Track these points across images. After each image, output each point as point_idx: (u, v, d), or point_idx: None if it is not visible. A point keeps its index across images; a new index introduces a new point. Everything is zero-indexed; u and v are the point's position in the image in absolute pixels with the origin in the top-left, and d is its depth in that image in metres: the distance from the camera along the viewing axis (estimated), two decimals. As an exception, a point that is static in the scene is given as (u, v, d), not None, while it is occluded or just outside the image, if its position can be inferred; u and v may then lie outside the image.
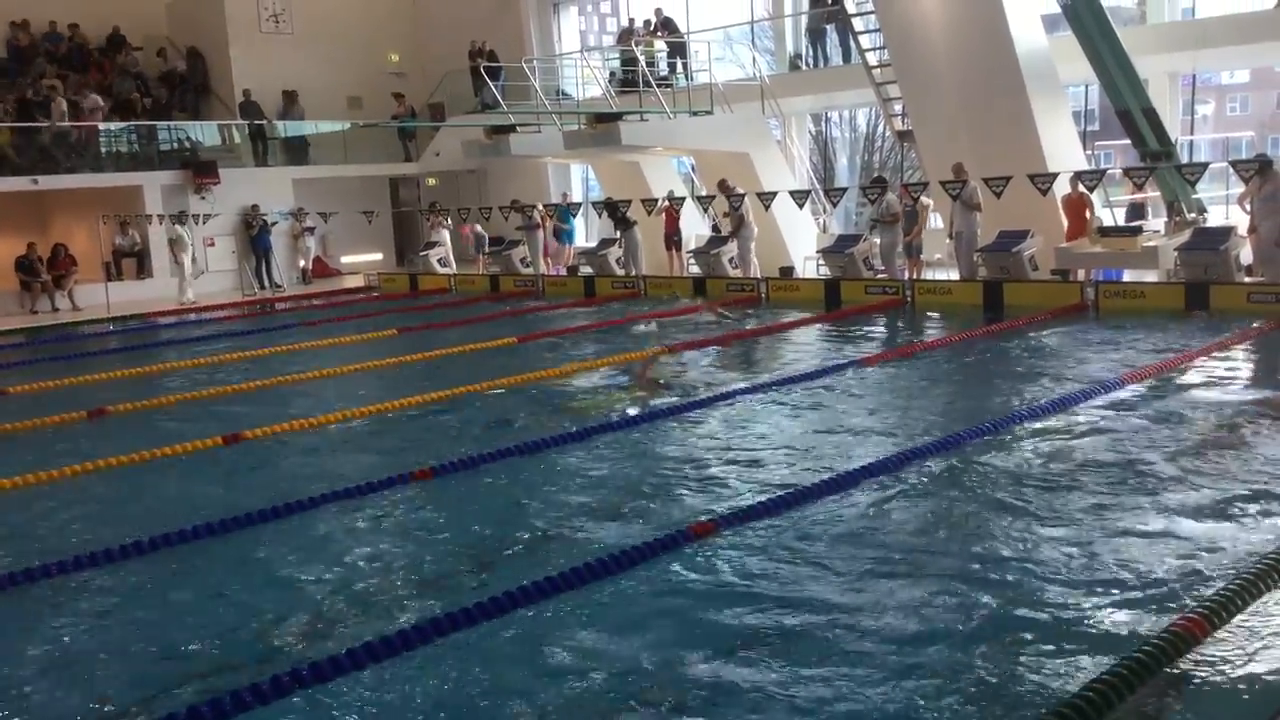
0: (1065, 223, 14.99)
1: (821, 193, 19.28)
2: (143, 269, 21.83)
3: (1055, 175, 13.88)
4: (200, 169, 22.08)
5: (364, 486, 7.11)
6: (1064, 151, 15.46)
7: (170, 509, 6.95)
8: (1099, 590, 4.95)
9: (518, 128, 20.21)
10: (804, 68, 21.68)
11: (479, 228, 21.77)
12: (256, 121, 23.57)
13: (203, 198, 21.84)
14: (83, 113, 21.26)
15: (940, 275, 16.11)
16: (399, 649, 4.59)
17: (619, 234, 18.96)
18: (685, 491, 6.87)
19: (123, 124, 22.88)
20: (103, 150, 22.52)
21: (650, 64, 20.45)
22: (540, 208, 20.75)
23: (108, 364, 13.66)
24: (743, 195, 16.61)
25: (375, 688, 4.39)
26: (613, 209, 18.81)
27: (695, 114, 19.39)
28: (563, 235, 21.67)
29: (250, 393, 11.10)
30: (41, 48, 24.02)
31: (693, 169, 22.34)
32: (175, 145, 23.33)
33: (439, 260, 22.05)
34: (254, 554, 6.14)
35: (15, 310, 19.77)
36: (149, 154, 22.80)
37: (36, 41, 24.07)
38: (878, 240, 16.43)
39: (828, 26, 20.90)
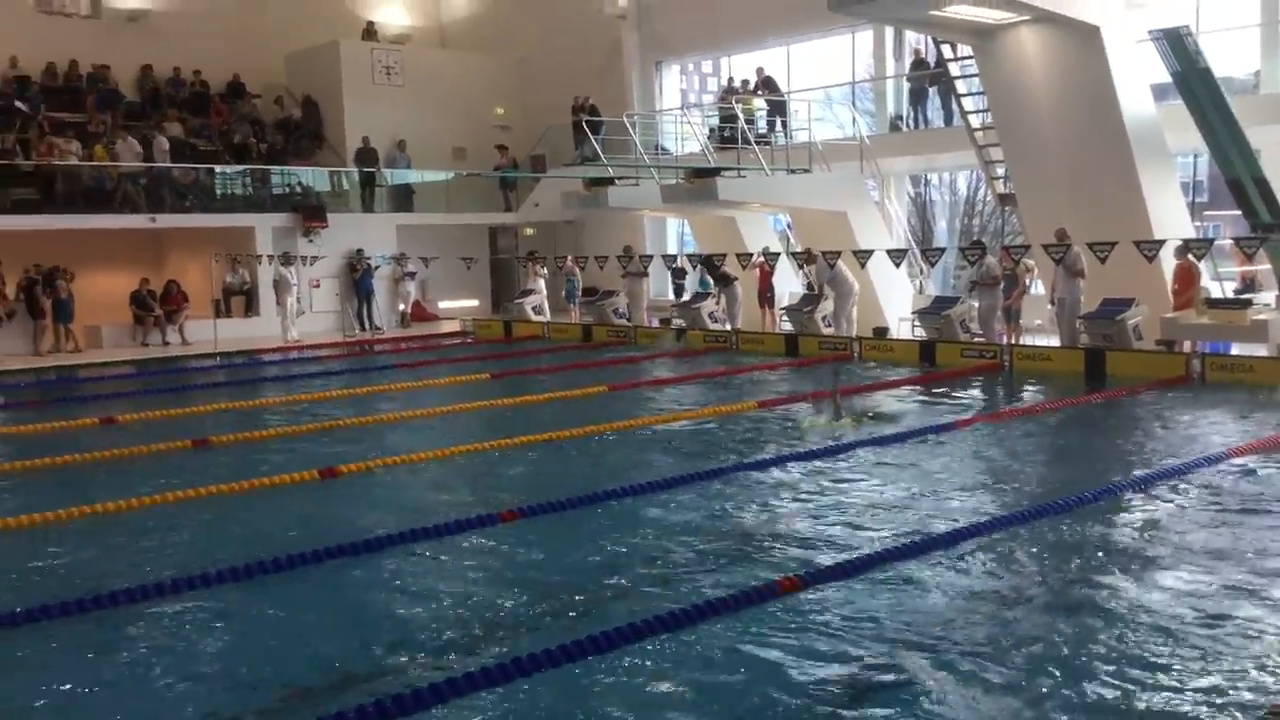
0: (1172, 292, 14.62)
1: (919, 253, 19.12)
2: (250, 307, 22.54)
3: (1163, 242, 13.55)
4: (310, 213, 22.81)
5: (452, 525, 7.21)
6: (1171, 220, 15.12)
7: (266, 538, 7.12)
8: (1185, 670, 4.77)
9: (616, 181, 20.49)
10: (904, 129, 21.63)
11: (577, 269, 22.06)
12: (367, 169, 24.29)
13: (310, 240, 22.53)
14: (120, 154, 22.05)
15: (1040, 341, 15.80)
16: (467, 689, 4.61)
17: (718, 289, 19.00)
18: (771, 546, 6.81)
19: (239, 167, 23.79)
20: (217, 192, 23.43)
21: (750, 121, 20.60)
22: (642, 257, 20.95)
23: (213, 397, 14.12)
24: (838, 254, 16.56)
25: (457, 723, 4.42)
26: (712, 265, 18.91)
27: (793, 172, 19.45)
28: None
29: (347, 429, 11.36)
30: (165, 92, 25.15)
31: (789, 226, 22.36)
32: (287, 189, 24.15)
33: (534, 308, 22.37)
34: (343, 586, 6.25)
35: (128, 342, 20.55)
36: (262, 197, 23.64)
37: (161, 86, 25.22)
38: (976, 303, 16.21)
39: (930, 88, 20.85)
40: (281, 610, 5.88)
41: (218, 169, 23.33)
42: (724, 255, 18.45)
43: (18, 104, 22.14)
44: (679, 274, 22.27)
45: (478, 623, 5.61)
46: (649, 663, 4.96)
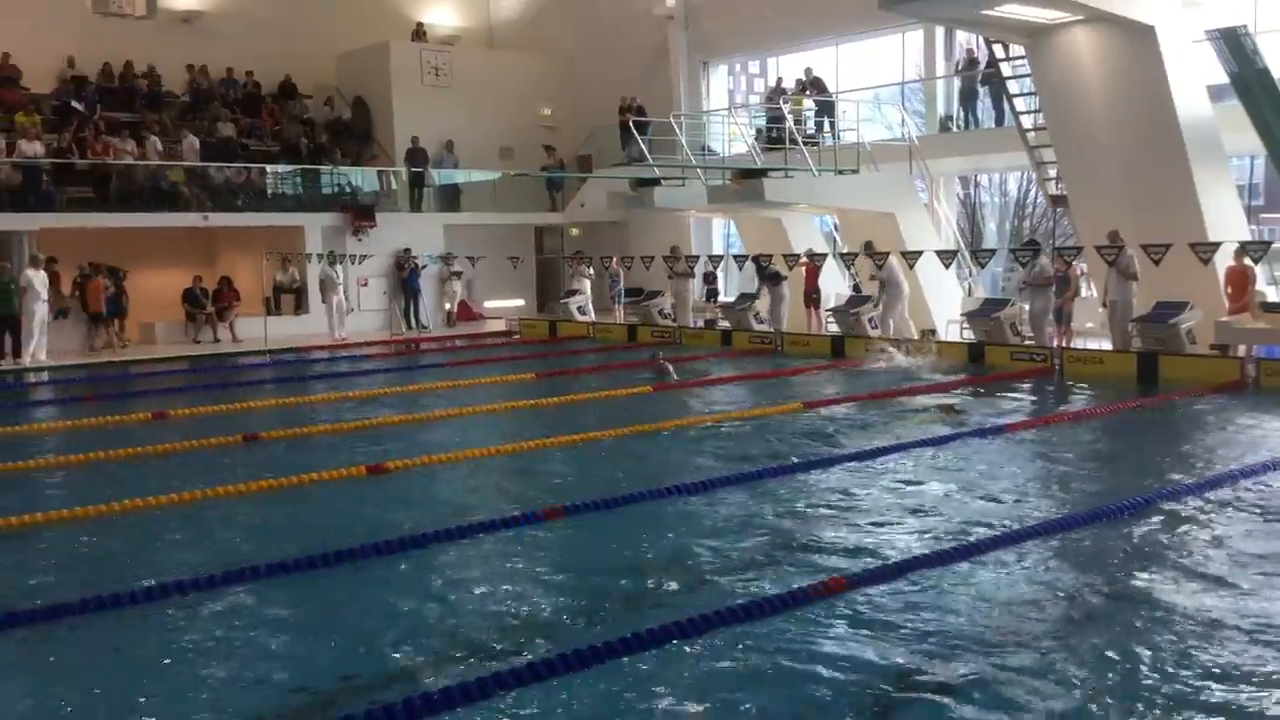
0: (1226, 296, 14.35)
1: (968, 254, 18.93)
2: (300, 305, 22.78)
3: (1218, 245, 13.31)
4: (359, 212, 23.03)
5: (497, 522, 7.24)
6: (1226, 223, 14.84)
7: (313, 533, 7.19)
8: (1240, 676, 4.67)
9: (662, 181, 20.48)
10: (954, 129, 21.43)
11: (622, 269, 22.08)
12: (415, 169, 24.48)
13: (359, 239, 22.74)
14: (179, 153, 22.33)
15: (1092, 344, 15.58)
16: (513, 684, 4.62)
17: (766, 289, 18.90)
18: (816, 546, 6.77)
19: (289, 167, 24.06)
20: (269, 191, 23.72)
21: (798, 122, 20.50)
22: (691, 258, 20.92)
23: (262, 393, 14.28)
24: (886, 254, 16.44)
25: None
26: (761, 264, 18.83)
27: (841, 172, 19.33)
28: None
29: (394, 426, 11.45)
30: (218, 92, 25.50)
31: (835, 227, 22.24)
32: (336, 189, 24.39)
33: (578, 308, 22.43)
34: (390, 581, 6.28)
35: (180, 339, 20.85)
36: (312, 196, 23.89)
37: (214, 86, 25.58)
38: (1026, 306, 16.01)
39: (981, 88, 20.64)
40: (329, 604, 5.94)
41: (269, 168, 23.61)
42: (770, 255, 18.39)
43: (74, 104, 22.55)
44: (709, 278, 22.21)
45: (522, 619, 5.62)
46: (694, 661, 4.94)
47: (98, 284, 19.40)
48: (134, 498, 7.97)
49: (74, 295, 19.68)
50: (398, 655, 5.15)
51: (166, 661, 5.14)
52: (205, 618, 5.69)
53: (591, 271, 22.96)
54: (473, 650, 5.20)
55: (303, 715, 4.53)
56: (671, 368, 14.74)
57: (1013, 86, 17.27)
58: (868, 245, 17.06)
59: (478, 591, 6.04)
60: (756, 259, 18.90)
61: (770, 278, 18.67)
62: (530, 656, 4.97)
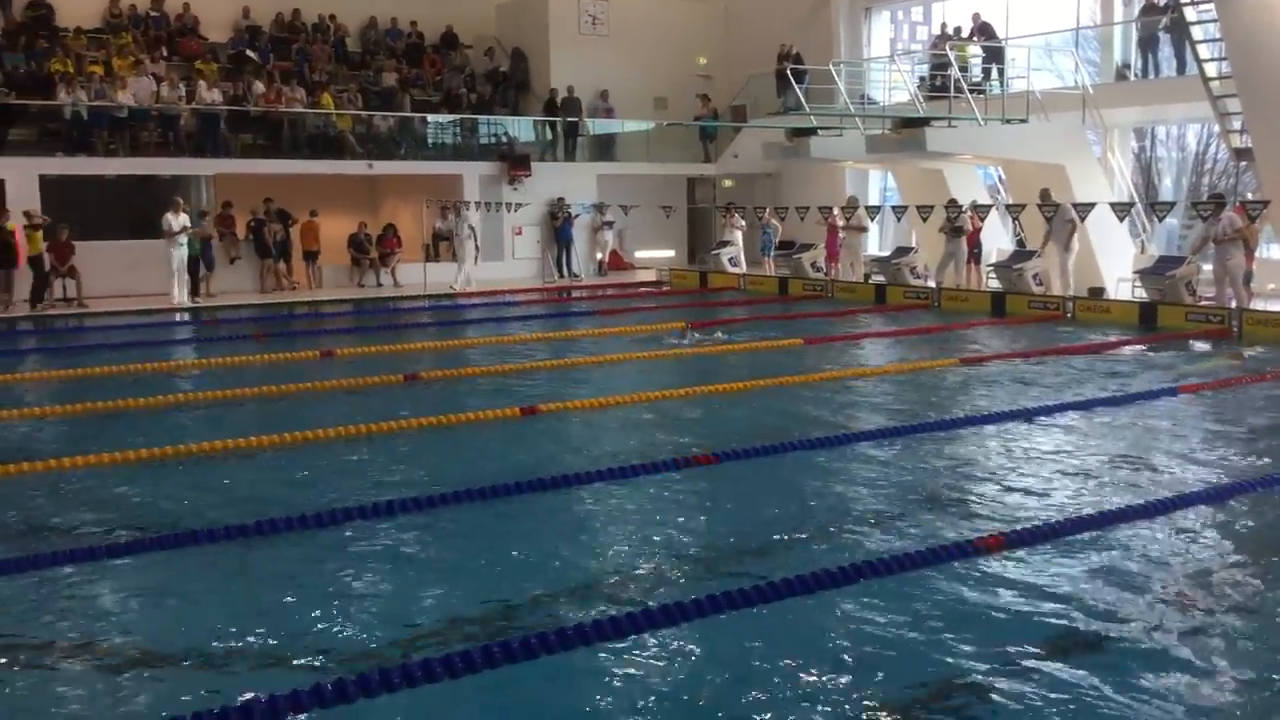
0: None
1: (1145, 208, 17.98)
2: (457, 252, 23.29)
3: None
4: (515, 161, 23.36)
5: (648, 466, 7.29)
6: None
7: (468, 469, 7.40)
8: None
9: (819, 131, 20.08)
10: (1131, 78, 20.32)
11: (775, 220, 21.80)
12: (570, 119, 24.66)
13: (514, 188, 23.09)
14: (346, 102, 22.78)
15: (1276, 306, 14.66)
16: (661, 623, 4.65)
17: (946, 240, 18.24)
18: (975, 503, 6.61)
19: (449, 116, 24.56)
20: (429, 141, 24.28)
21: (964, 69, 19.76)
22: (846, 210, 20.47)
23: (421, 336, 14.72)
24: (1056, 206, 15.75)
25: (642, 656, 4.49)
26: (950, 215, 18.20)
27: (1008, 122, 18.59)
28: None
29: (546, 370, 11.66)
30: (384, 42, 26.16)
31: (1000, 180, 21.44)
32: (493, 139, 24.79)
33: (730, 259, 22.30)
34: (544, 517, 6.43)
35: (345, 283, 21.63)
36: (470, 146, 24.36)
37: (380, 36, 26.25)
38: (1206, 265, 15.12)
39: (1161, 35, 19.49)
40: (486, 536, 6.11)
41: (429, 118, 24.14)
42: (960, 206, 17.75)
43: (248, 53, 23.46)
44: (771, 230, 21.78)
45: (668, 561, 5.67)
46: (845, 611, 4.90)
47: (268, 229, 20.24)
48: (304, 430, 8.32)
49: (248, 239, 20.58)
50: (546, 586, 5.28)
51: (330, 588, 5.38)
52: (372, 544, 5.93)
53: (743, 223, 22.76)
54: (616, 587, 5.28)
55: (453, 637, 4.68)
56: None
57: (1196, 33, 16.24)
58: (1044, 193, 16.39)
59: (625, 531, 6.13)
60: (947, 208, 18.12)
61: (955, 231, 18.00)
62: (679, 596, 5.00)
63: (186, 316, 17.77)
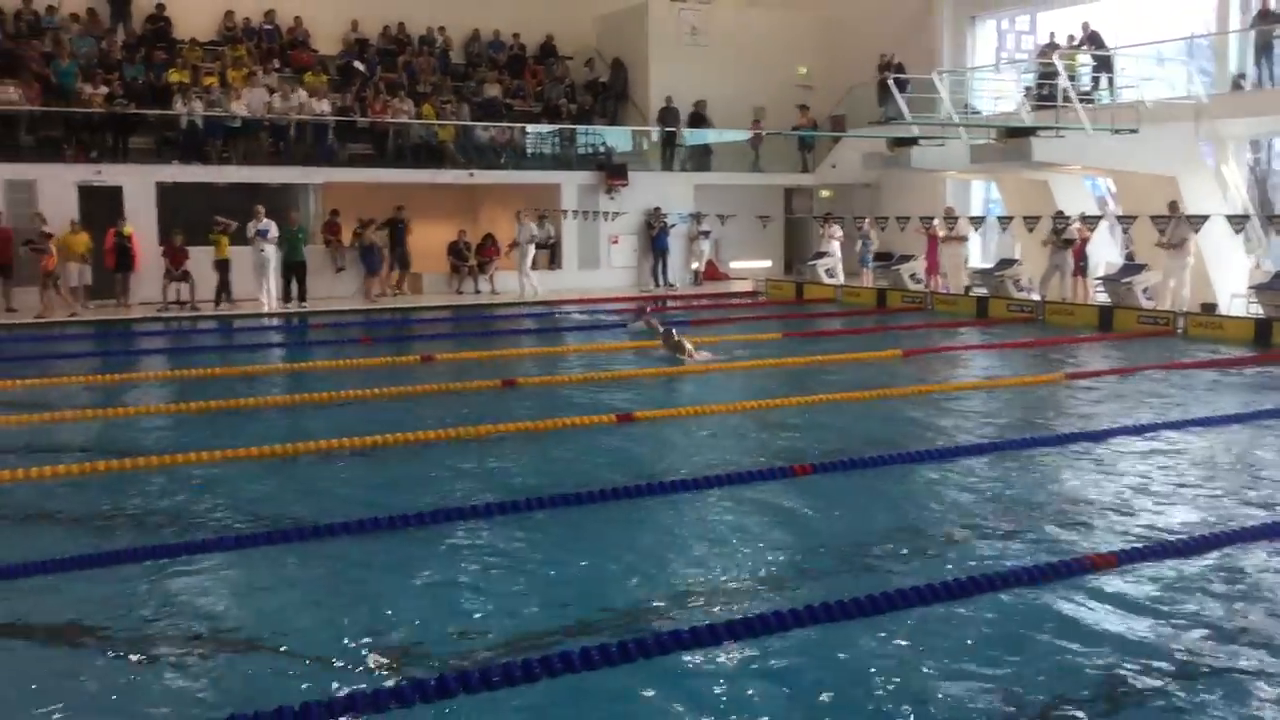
0: None
1: (1260, 222, 17.33)
2: (554, 260, 23.54)
3: None
4: (612, 171, 23.51)
5: (745, 475, 7.26)
6: None
7: (564, 474, 7.46)
8: None
9: (921, 140, 19.80)
10: (1246, 88, 19.61)
11: (873, 232, 21.57)
12: (668, 129, 24.72)
13: (611, 197, 23.24)
14: (450, 113, 23.10)
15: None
16: (761, 631, 4.65)
17: (1051, 252, 17.85)
18: (1084, 521, 6.44)
19: (549, 127, 24.83)
20: (528, 151, 24.59)
21: (1072, 78, 19.29)
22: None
23: (519, 342, 14.88)
24: (1182, 217, 15.28)
25: (735, 666, 4.46)
26: (1058, 227, 17.85)
27: (1117, 132, 18.08)
28: None
29: (642, 379, 11.69)
30: (486, 54, 26.57)
31: (1109, 191, 20.88)
32: (591, 149, 24.98)
33: (826, 270, 22.10)
34: (640, 523, 6.45)
35: (444, 289, 21.98)
36: (568, 155, 24.60)
37: (483, 49, 26.67)
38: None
39: (1278, 43, 18.77)
40: (583, 540, 6.14)
41: (529, 128, 24.43)
42: (1068, 217, 17.38)
43: (356, 64, 24.03)
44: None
45: (764, 570, 5.64)
46: (951, 625, 4.81)
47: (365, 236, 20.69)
48: (405, 432, 8.48)
49: (354, 246, 21.05)
50: (645, 591, 5.29)
51: (431, 586, 5.46)
52: (472, 542, 6.01)
53: (841, 233, 22.54)
54: (712, 594, 5.26)
55: (543, 643, 4.71)
56: (661, 327, 13.96)
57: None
58: (1172, 205, 15.94)
59: (722, 538, 6.09)
60: (1054, 219, 17.74)
61: (1064, 243, 17.59)
62: (777, 604, 4.97)
63: (295, 321, 18.25)
